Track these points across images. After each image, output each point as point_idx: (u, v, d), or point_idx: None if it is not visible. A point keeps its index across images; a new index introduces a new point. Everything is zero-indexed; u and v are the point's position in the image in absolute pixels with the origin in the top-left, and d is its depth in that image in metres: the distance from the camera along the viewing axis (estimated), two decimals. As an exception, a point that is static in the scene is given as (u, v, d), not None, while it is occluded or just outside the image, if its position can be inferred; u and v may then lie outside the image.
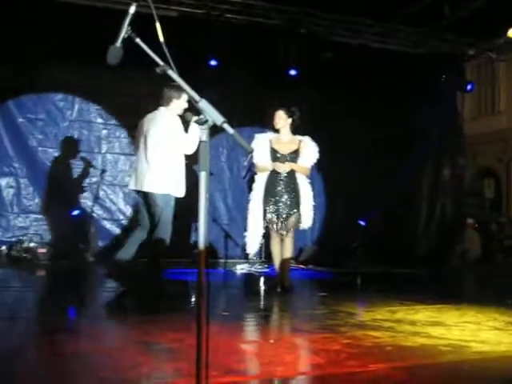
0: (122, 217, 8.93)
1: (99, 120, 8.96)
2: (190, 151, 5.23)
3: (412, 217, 10.50)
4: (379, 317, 4.56)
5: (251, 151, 2.24)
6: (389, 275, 8.58)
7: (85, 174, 8.73)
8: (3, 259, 7.85)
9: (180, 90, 5.17)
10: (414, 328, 4.10)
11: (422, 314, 4.79)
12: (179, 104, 5.38)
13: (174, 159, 5.30)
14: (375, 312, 4.81)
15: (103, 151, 8.95)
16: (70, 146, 8.73)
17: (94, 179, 8.79)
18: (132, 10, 2.28)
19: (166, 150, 5.27)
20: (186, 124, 5.21)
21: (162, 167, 5.27)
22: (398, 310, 4.95)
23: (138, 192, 5.42)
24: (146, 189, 5.30)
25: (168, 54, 2.19)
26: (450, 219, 10.78)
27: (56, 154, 8.70)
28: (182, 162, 5.37)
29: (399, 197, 10.32)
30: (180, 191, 5.34)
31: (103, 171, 8.81)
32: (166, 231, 5.34)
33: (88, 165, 8.70)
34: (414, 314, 4.77)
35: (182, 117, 5.30)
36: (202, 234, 2.07)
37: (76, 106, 8.85)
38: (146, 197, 5.36)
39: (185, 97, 5.28)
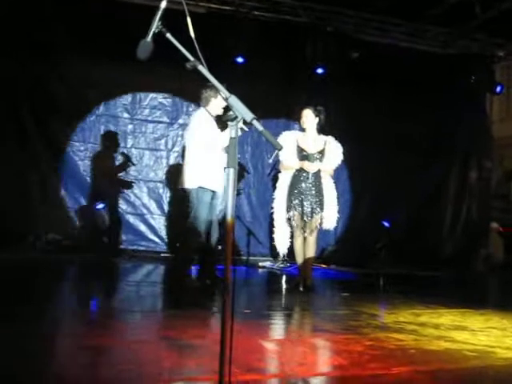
0: (145, 211, 8.97)
1: (125, 115, 9.01)
2: (219, 146, 5.43)
3: (437, 219, 10.34)
4: (402, 319, 4.52)
5: (280, 148, 2.23)
6: (412, 277, 8.51)
7: (121, 168, 8.86)
8: (28, 250, 7.94)
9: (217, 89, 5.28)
10: (438, 332, 4.05)
11: (446, 317, 4.74)
12: (217, 103, 5.54)
13: (208, 156, 5.43)
14: (398, 314, 4.76)
15: (128, 146, 9.00)
16: (96, 140, 8.81)
17: (119, 173, 8.87)
18: (163, 4, 2.29)
19: (197, 148, 5.46)
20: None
21: (194, 164, 5.47)
22: (422, 312, 4.90)
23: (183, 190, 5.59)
24: (184, 186, 5.53)
25: (198, 50, 2.19)
26: (475, 222, 10.61)
27: (82, 148, 8.77)
28: (218, 158, 5.44)
29: (424, 198, 10.20)
30: (215, 185, 5.48)
31: (128, 165, 8.88)
32: (194, 227, 5.42)
33: (127, 159, 8.82)
34: (438, 317, 4.72)
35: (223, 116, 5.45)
36: (229, 232, 2.06)
37: (103, 101, 8.91)
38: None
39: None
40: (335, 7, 9.04)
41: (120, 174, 8.86)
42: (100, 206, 8.49)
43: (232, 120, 2.09)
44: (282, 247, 6.18)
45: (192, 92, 8.89)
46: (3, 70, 8.23)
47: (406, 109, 9.96)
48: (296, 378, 2.84)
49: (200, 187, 5.41)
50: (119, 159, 8.88)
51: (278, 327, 4.33)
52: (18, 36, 8.15)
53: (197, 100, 6.14)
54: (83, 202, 8.69)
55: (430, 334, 3.94)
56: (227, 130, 5.38)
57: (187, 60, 2.18)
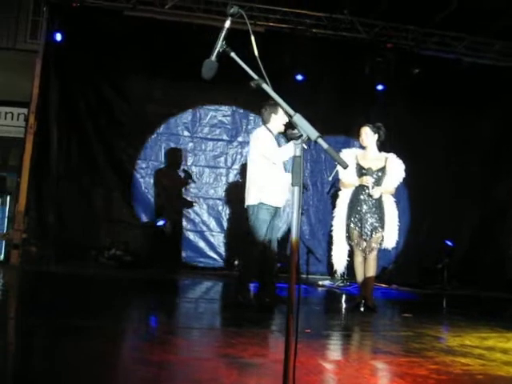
0: (205, 228, 9.06)
1: (186, 133, 9.17)
2: (276, 161, 5.45)
3: (502, 238, 9.96)
4: (468, 343, 4.35)
5: (346, 166, 2.18)
6: (476, 298, 8.22)
7: (174, 184, 8.99)
8: (91, 265, 8.14)
9: (277, 106, 5.38)
10: (507, 357, 3.87)
11: (515, 342, 4.54)
12: (278, 120, 5.54)
13: (269, 172, 5.46)
14: (463, 337, 4.59)
15: (189, 164, 9.14)
16: (158, 158, 8.99)
17: (181, 190, 9.01)
18: (227, 24, 2.31)
19: (258, 165, 5.52)
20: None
21: (254, 181, 5.52)
22: (488, 336, 4.71)
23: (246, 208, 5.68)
24: (245, 203, 5.58)
25: (262, 68, 2.19)
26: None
27: (144, 165, 8.97)
28: (278, 174, 5.45)
29: (488, 217, 9.87)
30: (275, 202, 5.47)
31: (187, 183, 9.02)
32: (251, 244, 5.43)
33: (188, 176, 8.96)
34: (506, 341, 4.52)
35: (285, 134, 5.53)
36: (294, 251, 2.04)
37: (164, 120, 9.10)
38: None
39: (283, 112, 5.44)
40: (394, 23, 8.95)
41: (181, 191, 9.01)
42: (161, 222, 8.63)
43: (297, 138, 2.07)
44: (339, 265, 6.13)
45: (251, 110, 9.07)
46: (70, 92, 8.57)
47: (469, 126, 9.74)
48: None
49: (260, 203, 5.43)
50: (180, 176, 9.02)
51: (338, 348, 4.25)
52: (85, 61, 8.47)
53: (256, 118, 6.21)
54: (145, 218, 8.86)
55: (498, 359, 3.78)
56: (284, 147, 5.42)
57: (251, 79, 2.19)
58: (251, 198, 5.49)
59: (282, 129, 5.61)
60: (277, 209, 5.54)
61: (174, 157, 9.06)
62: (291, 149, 5.28)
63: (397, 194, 6.19)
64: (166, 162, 9.05)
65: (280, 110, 5.50)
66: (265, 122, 5.68)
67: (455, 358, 3.74)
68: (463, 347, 4.16)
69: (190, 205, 9.05)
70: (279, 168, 5.49)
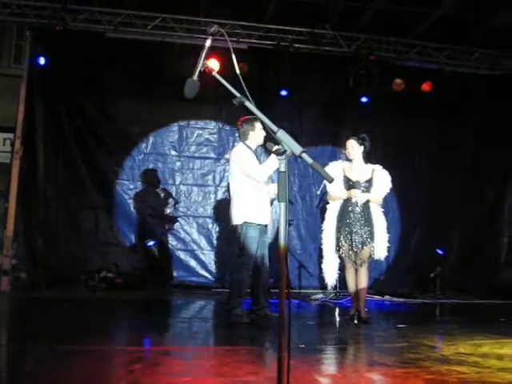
0: (195, 247, 9.03)
1: (173, 152, 9.17)
2: (259, 179, 5.43)
3: (493, 245, 9.97)
4: (463, 350, 4.35)
5: (331, 180, 2.19)
6: (469, 306, 8.23)
7: (163, 204, 8.97)
8: (82, 288, 8.07)
9: (252, 121, 5.44)
10: (502, 363, 3.88)
11: (509, 348, 4.54)
12: (256, 135, 5.58)
13: (252, 189, 5.48)
14: (458, 345, 4.58)
15: (177, 183, 9.13)
16: (145, 178, 8.98)
17: (169, 210, 9.00)
18: (208, 43, 2.32)
19: (240, 183, 5.55)
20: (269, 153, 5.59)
21: (238, 199, 5.55)
22: (483, 343, 4.71)
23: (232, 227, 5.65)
24: (231, 222, 5.58)
25: (244, 86, 2.20)
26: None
27: (131, 186, 8.95)
28: (262, 191, 5.47)
29: (477, 222, 9.90)
30: (261, 219, 5.49)
31: (177, 202, 9.01)
32: (243, 263, 5.43)
33: (168, 195, 8.94)
34: (500, 348, 4.53)
35: (264, 146, 5.55)
36: (283, 267, 2.04)
37: (150, 139, 9.10)
38: None
39: (259, 126, 5.50)
40: (376, 35, 9.04)
41: (168, 211, 9.00)
42: (151, 243, 8.59)
43: (281, 154, 2.08)
44: (330, 279, 6.12)
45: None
46: (55, 116, 8.57)
47: (453, 134, 9.81)
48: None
49: (245, 222, 5.45)
50: (169, 195, 9.02)
51: (333, 362, 4.23)
52: (70, 84, 8.48)
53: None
54: (134, 239, 8.83)
55: (494, 366, 3.77)
56: (265, 163, 5.45)
57: (234, 97, 2.20)
58: (237, 218, 5.51)
59: (261, 142, 5.65)
60: (264, 226, 5.56)
61: (162, 176, 9.06)
62: (273, 163, 5.31)
63: (385, 205, 6.22)
64: (154, 181, 9.03)
65: (257, 126, 5.57)
66: (243, 139, 5.71)
67: (450, 366, 3.73)
68: (458, 355, 4.15)
69: (179, 224, 9.02)
70: (261, 184, 5.51)
